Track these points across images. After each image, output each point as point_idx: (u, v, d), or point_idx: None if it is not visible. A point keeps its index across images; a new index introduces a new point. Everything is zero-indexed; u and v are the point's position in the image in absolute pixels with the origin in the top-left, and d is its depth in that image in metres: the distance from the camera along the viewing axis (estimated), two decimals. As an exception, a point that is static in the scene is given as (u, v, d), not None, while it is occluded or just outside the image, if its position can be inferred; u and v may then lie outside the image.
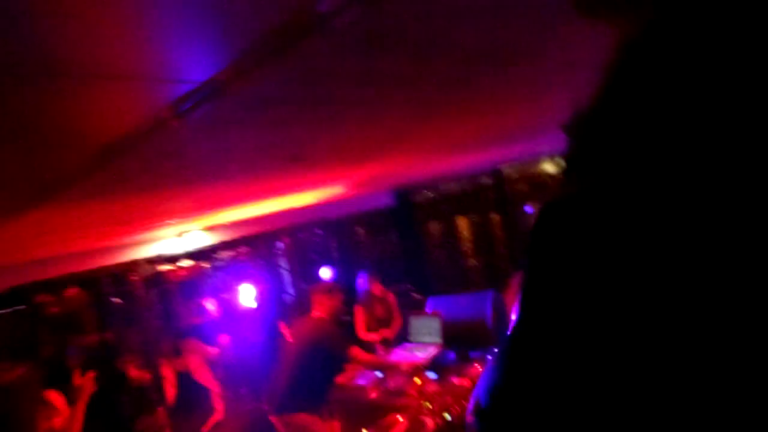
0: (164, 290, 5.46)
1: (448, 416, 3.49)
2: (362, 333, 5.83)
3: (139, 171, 1.76)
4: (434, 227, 9.79)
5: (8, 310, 4.94)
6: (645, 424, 0.56)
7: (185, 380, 4.48)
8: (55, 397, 2.93)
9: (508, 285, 5.15)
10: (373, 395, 4.49)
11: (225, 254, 6.13)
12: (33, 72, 0.92)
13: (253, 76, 1.17)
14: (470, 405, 0.77)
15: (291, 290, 6.90)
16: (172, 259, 5.60)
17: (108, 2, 0.79)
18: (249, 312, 6.25)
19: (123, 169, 1.69)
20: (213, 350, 4.83)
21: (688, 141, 0.57)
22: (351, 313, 5.87)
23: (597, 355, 0.62)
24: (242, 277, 6.05)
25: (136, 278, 5.26)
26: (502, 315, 4.86)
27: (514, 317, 0.77)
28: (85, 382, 3.92)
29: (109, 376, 4.63)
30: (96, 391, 4.29)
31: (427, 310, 5.43)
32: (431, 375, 4.43)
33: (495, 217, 8.77)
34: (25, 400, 2.54)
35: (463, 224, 9.79)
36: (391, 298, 6.17)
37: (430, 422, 3.47)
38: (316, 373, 4.19)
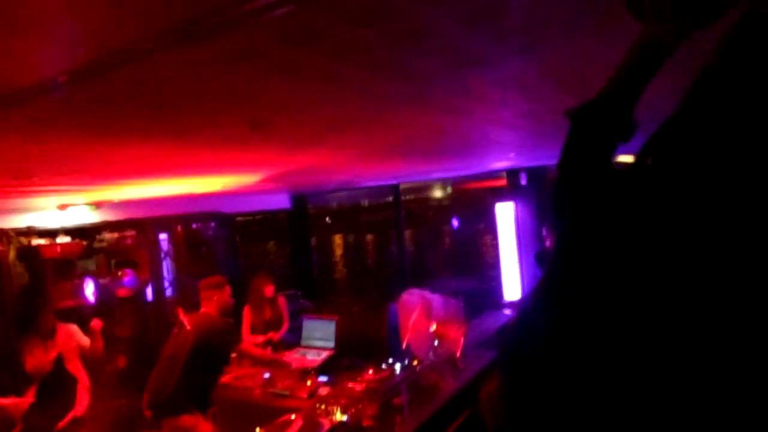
0: (37, 266, 4.89)
1: (344, 417, 3.47)
2: (247, 334, 5.67)
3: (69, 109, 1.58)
4: (336, 238, 9.88)
5: None
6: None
7: (54, 367, 4.04)
8: None
9: (401, 300, 5.32)
10: (261, 396, 4.36)
11: (109, 235, 5.64)
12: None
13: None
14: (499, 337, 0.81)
15: (174, 282, 6.51)
16: (50, 233, 5.05)
17: None
18: (129, 300, 5.80)
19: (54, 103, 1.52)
20: (88, 338, 4.41)
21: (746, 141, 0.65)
22: (238, 313, 5.67)
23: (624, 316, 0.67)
24: (125, 262, 5.62)
25: (3, 248, 4.66)
26: (394, 327, 4.97)
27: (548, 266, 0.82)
28: None
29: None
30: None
31: (321, 315, 5.41)
32: (323, 378, 4.41)
33: (391, 234, 9.00)
34: None
35: (363, 238, 9.97)
36: (281, 301, 6.07)
37: (326, 422, 3.43)
38: (202, 372, 3.98)
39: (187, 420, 3.77)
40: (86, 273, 5.46)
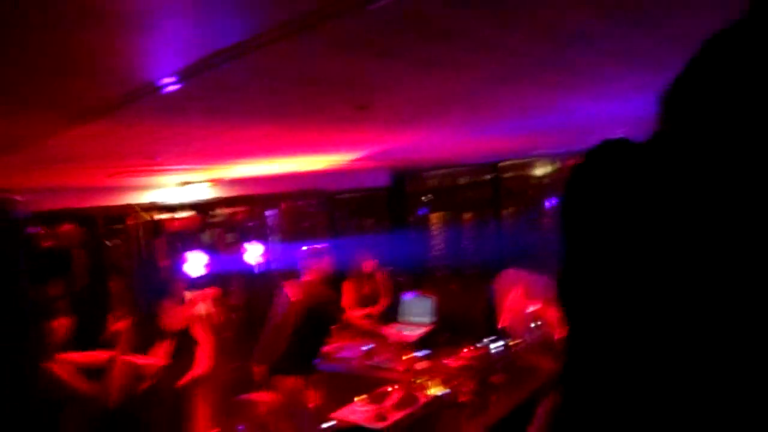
0: (161, 238, 5.39)
1: (441, 392, 3.53)
2: (347, 308, 5.88)
3: (193, 98, 1.72)
4: (433, 216, 9.90)
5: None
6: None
7: (183, 329, 4.47)
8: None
9: (499, 280, 5.26)
10: (359, 367, 4.54)
11: (222, 211, 6.07)
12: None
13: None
14: None
15: (280, 254, 6.89)
16: (171, 208, 5.53)
17: None
18: (239, 271, 6.22)
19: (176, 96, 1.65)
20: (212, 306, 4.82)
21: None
22: (339, 287, 5.89)
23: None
24: (241, 236, 6.04)
25: (132, 222, 5.17)
26: (492, 306, 4.94)
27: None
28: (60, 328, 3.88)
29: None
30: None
31: (420, 292, 5.50)
32: (420, 353, 4.49)
33: (490, 212, 8.86)
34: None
35: (461, 216, 9.90)
36: (380, 276, 6.21)
37: (423, 396, 3.51)
38: (308, 338, 4.21)
39: (293, 382, 4.03)
40: (201, 246, 5.92)
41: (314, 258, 4.43)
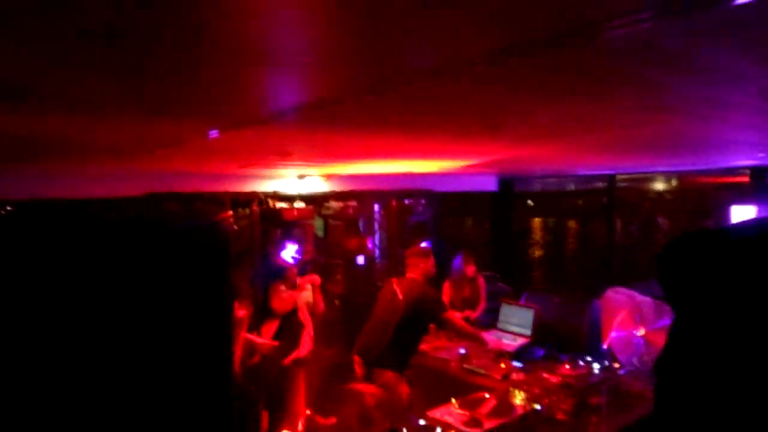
0: (278, 225, 5.80)
1: (537, 406, 3.53)
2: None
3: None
4: (535, 222, 9.64)
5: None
6: None
7: (291, 312, 4.78)
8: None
9: (605, 297, 5.07)
10: (456, 369, 4.61)
11: (334, 203, 6.40)
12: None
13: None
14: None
15: (384, 250, 7.11)
16: (289, 198, 5.92)
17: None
18: (343, 262, 6.52)
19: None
20: (314, 293, 5.11)
21: None
22: (439, 288, 5.97)
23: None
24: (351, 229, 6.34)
25: (256, 209, 5.60)
26: (596, 324, 4.80)
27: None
28: None
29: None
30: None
31: (521, 301, 5.44)
32: (517, 364, 4.48)
33: (601, 224, 8.50)
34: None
35: (565, 224, 9.57)
36: (481, 281, 6.22)
37: (519, 408, 3.52)
38: (408, 334, 4.33)
39: (390, 376, 4.19)
40: (314, 235, 6.28)
41: (419, 256, 4.55)
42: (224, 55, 1.22)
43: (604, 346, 4.47)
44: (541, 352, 4.74)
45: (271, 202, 5.74)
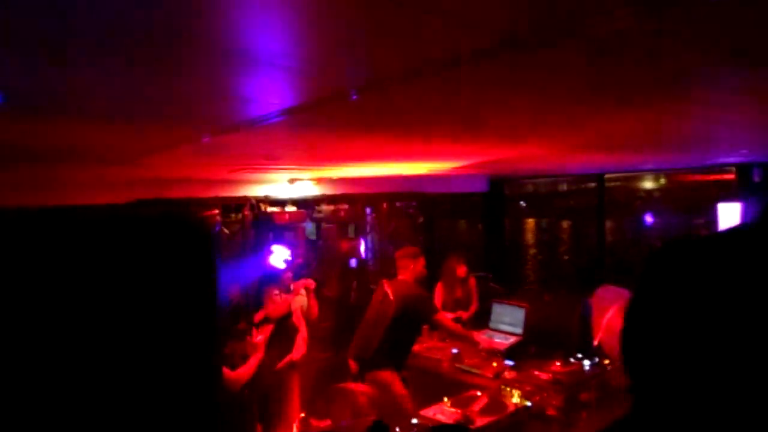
0: (268, 230, 5.81)
1: (529, 403, 3.56)
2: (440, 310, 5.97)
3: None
4: (528, 222, 9.70)
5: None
6: None
7: (285, 316, 4.79)
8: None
9: (596, 295, 5.12)
10: (448, 369, 4.64)
11: (326, 207, 6.42)
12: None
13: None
14: None
15: (376, 252, 7.15)
16: (280, 203, 5.93)
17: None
18: (336, 264, 6.54)
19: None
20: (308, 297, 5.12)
21: None
22: (431, 290, 6.01)
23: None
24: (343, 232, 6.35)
25: (247, 213, 5.62)
26: (587, 321, 4.84)
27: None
28: None
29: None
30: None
31: (512, 301, 5.48)
32: (508, 362, 4.52)
33: (593, 223, 8.57)
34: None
35: (558, 224, 9.64)
36: (472, 281, 6.26)
37: (510, 405, 3.56)
38: (401, 335, 4.37)
39: (385, 376, 4.21)
40: (305, 239, 6.30)
41: (409, 258, 4.59)
42: (210, 60, 1.26)
43: (595, 343, 4.51)
44: (532, 350, 4.78)
45: (262, 207, 5.76)
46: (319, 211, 6.42)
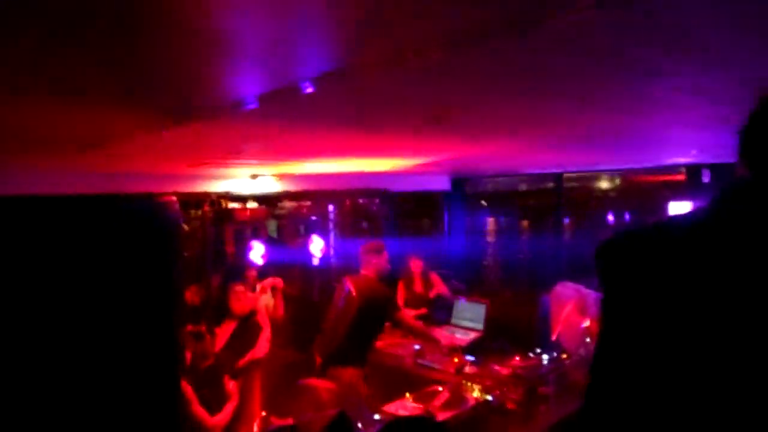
0: (230, 226, 5.72)
1: (489, 397, 3.62)
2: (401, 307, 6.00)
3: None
4: (489, 221, 9.85)
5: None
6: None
7: (249, 314, 4.73)
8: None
9: (554, 292, 5.25)
10: (410, 365, 4.67)
11: (288, 204, 6.36)
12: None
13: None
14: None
15: (339, 249, 7.12)
16: (241, 198, 5.84)
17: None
18: (298, 262, 6.48)
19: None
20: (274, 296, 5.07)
21: None
22: (395, 286, 6.03)
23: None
24: (306, 228, 6.29)
25: (207, 209, 5.51)
26: (545, 317, 4.95)
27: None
28: None
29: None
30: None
31: (473, 298, 5.57)
32: (469, 357, 4.58)
33: (549, 222, 8.77)
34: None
35: (517, 223, 9.81)
36: (435, 278, 6.31)
37: (471, 399, 3.60)
38: (363, 332, 4.36)
39: (349, 373, 4.20)
40: (267, 236, 6.23)
41: (374, 253, 4.58)
42: (177, 44, 1.22)
43: (553, 338, 4.62)
44: (492, 345, 4.85)
45: (223, 203, 5.66)
46: (281, 208, 6.35)
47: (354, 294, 4.37)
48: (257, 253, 5.93)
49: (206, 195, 5.56)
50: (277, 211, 6.38)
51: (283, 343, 5.92)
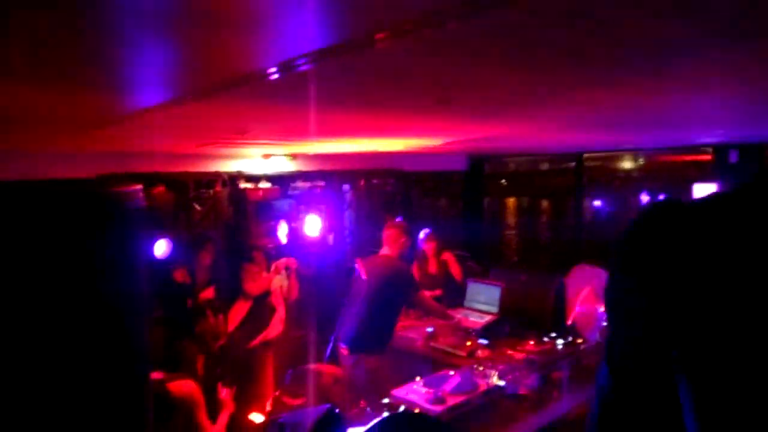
0: (242, 207, 5.70)
1: (501, 382, 3.55)
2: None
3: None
4: (508, 201, 9.72)
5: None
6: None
7: (263, 294, 4.72)
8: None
9: (571, 275, 5.13)
10: (423, 348, 4.62)
11: (302, 184, 6.29)
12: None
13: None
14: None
15: (354, 230, 7.06)
16: (254, 178, 5.80)
17: None
18: (316, 243, 6.44)
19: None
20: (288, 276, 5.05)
21: None
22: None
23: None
24: (315, 208, 6.20)
25: (219, 189, 5.49)
26: (561, 301, 4.84)
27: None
28: None
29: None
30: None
31: (488, 279, 5.47)
32: (483, 341, 4.51)
33: (570, 202, 8.60)
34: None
35: (538, 203, 9.67)
36: (450, 258, 6.22)
37: (483, 384, 3.54)
38: (386, 313, 4.28)
39: (375, 361, 4.14)
40: (280, 216, 6.17)
41: (399, 231, 4.49)
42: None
43: (569, 322, 4.52)
44: (506, 329, 4.77)
45: (234, 183, 5.62)
46: (295, 188, 6.29)
47: (364, 277, 4.32)
48: (282, 232, 5.90)
49: (218, 175, 5.53)
50: (291, 192, 6.33)
51: (296, 322, 5.93)
